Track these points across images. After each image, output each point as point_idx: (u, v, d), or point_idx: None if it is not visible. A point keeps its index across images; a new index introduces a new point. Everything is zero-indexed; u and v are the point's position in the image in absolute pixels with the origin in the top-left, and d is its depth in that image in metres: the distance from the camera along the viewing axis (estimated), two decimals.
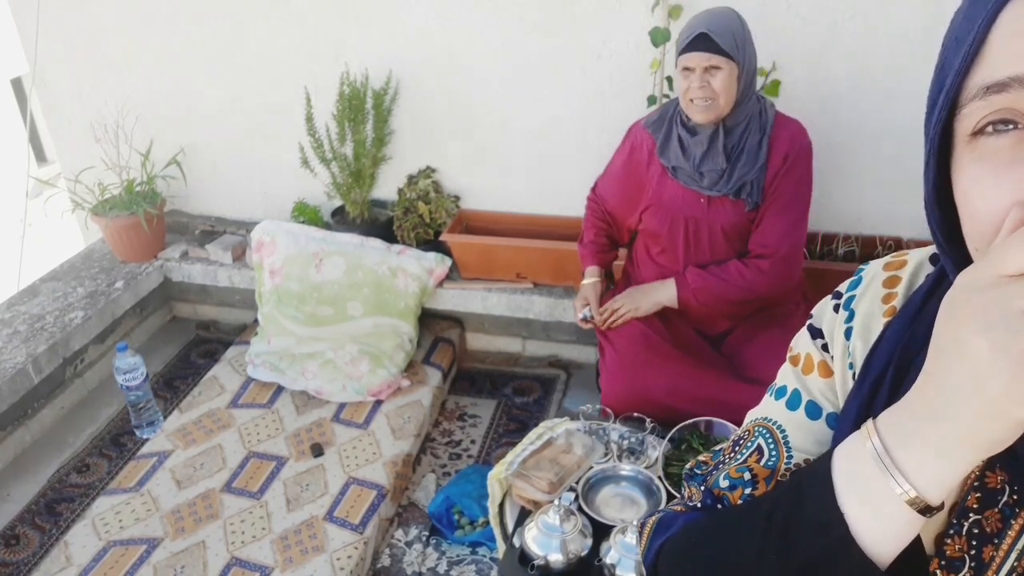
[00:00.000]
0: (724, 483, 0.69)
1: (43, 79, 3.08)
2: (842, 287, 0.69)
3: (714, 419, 1.76)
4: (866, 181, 2.48)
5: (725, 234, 1.98)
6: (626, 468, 1.65)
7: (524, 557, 1.47)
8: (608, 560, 1.42)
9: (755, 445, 0.70)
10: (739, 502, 0.68)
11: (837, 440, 0.60)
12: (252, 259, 2.80)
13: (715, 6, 1.92)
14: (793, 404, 0.69)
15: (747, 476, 0.68)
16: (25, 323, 2.64)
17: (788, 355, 0.72)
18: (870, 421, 0.51)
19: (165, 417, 2.49)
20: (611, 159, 2.19)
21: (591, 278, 2.23)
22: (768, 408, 0.72)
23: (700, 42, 1.79)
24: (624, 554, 1.40)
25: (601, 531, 1.50)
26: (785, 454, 0.68)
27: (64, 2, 2.87)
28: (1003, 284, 0.42)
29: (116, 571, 1.91)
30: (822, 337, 0.68)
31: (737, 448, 0.72)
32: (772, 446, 0.69)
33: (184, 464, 2.24)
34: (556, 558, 1.44)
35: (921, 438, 0.47)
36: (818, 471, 0.54)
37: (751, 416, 0.74)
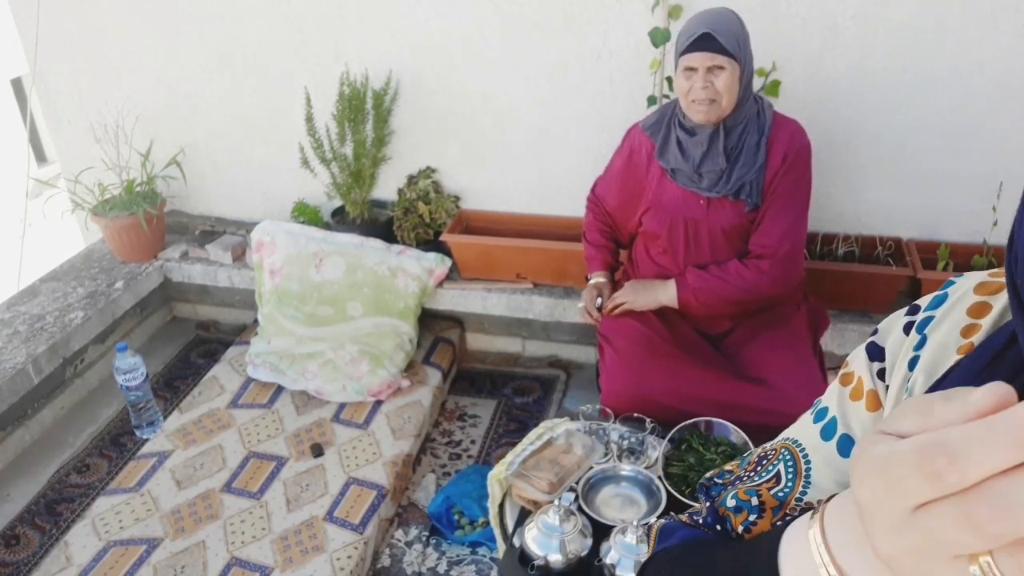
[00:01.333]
0: (731, 503, 0.64)
1: (43, 79, 3.08)
2: (922, 301, 0.57)
3: (714, 419, 1.76)
4: (866, 181, 2.47)
5: (725, 235, 1.98)
6: (626, 468, 1.65)
7: (524, 557, 1.47)
8: (608, 560, 1.42)
9: (775, 471, 0.64)
10: (739, 527, 0.63)
11: None
12: (252, 259, 2.80)
13: (715, 7, 1.92)
14: (828, 433, 0.61)
15: (755, 501, 0.63)
16: (25, 323, 2.64)
17: (841, 370, 0.63)
18: (824, 504, 0.43)
19: (165, 417, 2.49)
20: (610, 160, 2.19)
21: (600, 277, 2.23)
22: (803, 430, 0.65)
23: (703, 42, 1.78)
24: (624, 554, 1.40)
25: (601, 531, 1.49)
26: (800, 488, 0.61)
27: (64, 2, 2.87)
28: (888, 439, 0.34)
29: (116, 571, 1.91)
30: (882, 360, 0.58)
31: (760, 467, 0.66)
32: (791, 475, 0.63)
33: (184, 464, 2.24)
34: (556, 558, 1.44)
35: (857, 549, 0.39)
36: (765, 548, 0.47)
37: (787, 432, 0.68)
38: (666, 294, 2.05)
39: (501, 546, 1.69)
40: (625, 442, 1.74)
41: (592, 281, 2.23)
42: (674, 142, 1.96)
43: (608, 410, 1.85)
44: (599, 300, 2.19)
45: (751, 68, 1.89)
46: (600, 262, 2.24)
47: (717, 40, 1.77)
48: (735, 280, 1.97)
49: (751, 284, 1.97)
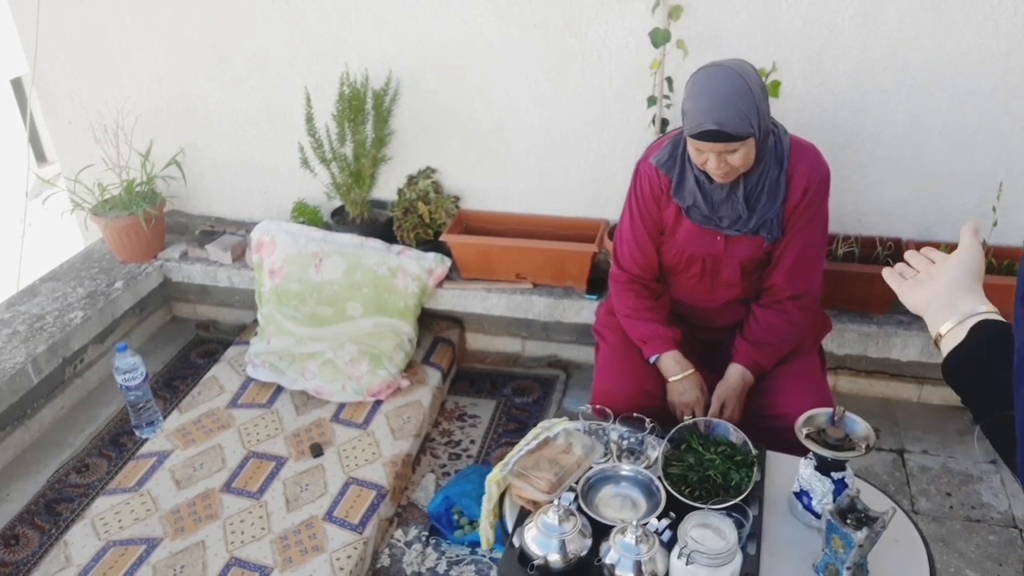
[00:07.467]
0: None
1: (43, 79, 3.08)
2: None
3: (714, 419, 1.76)
4: (865, 181, 2.47)
5: (742, 267, 1.93)
6: (626, 468, 1.65)
7: (524, 557, 1.47)
8: (608, 560, 1.42)
9: None
10: None
11: None
12: (252, 259, 2.80)
13: (722, 78, 1.66)
14: None
15: None
16: (25, 323, 2.64)
17: None
18: None
19: (165, 417, 2.49)
20: (622, 216, 2.04)
21: (685, 370, 1.95)
22: None
23: (711, 135, 1.64)
24: (623, 554, 1.40)
25: (601, 531, 1.49)
26: None
27: (64, 2, 2.88)
28: None
29: (116, 571, 1.91)
30: None
31: None
32: None
33: (184, 464, 2.24)
34: (555, 558, 1.44)
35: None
36: None
37: None
38: (744, 380, 1.94)
39: (486, 544, 1.70)
40: (625, 442, 1.74)
41: (677, 376, 1.94)
42: (691, 180, 1.83)
43: (607, 410, 1.84)
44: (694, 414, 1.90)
45: (767, 122, 1.73)
46: (664, 342, 1.97)
47: (726, 132, 1.63)
48: (788, 330, 1.94)
49: (802, 327, 1.96)
